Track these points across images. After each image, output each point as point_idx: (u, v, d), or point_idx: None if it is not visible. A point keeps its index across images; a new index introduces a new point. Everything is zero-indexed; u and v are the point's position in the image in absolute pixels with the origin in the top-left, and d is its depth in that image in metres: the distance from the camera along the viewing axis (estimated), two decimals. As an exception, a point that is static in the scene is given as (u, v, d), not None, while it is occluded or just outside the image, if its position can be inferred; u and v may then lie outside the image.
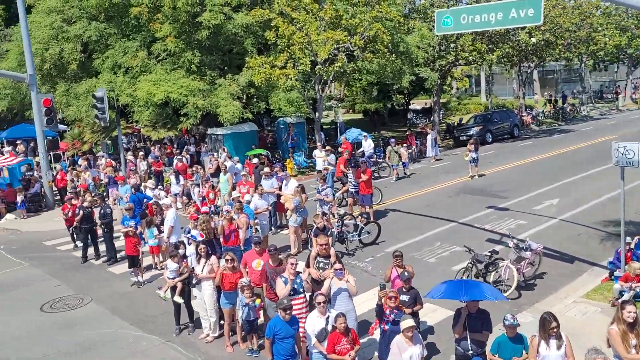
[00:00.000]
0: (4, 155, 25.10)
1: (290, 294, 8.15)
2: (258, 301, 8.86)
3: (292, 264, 8.40)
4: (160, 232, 13.14)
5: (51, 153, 24.99)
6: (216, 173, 20.03)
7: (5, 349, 9.83)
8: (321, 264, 8.92)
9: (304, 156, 25.71)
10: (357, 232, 13.43)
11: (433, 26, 27.62)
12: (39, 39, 26.58)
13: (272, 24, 23.29)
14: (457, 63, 28.50)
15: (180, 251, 10.32)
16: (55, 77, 27.35)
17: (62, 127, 34.53)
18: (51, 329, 10.52)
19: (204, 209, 12.60)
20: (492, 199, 17.70)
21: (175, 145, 27.37)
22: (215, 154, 21.88)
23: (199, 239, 10.56)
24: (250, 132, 26.92)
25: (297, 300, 8.10)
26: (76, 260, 14.71)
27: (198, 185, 18.90)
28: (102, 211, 13.99)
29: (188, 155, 24.19)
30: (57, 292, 12.45)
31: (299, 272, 8.51)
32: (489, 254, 10.91)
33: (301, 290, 8.32)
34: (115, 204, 18.16)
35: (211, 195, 17.47)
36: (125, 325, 10.42)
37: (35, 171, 22.68)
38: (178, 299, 9.74)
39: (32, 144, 31.26)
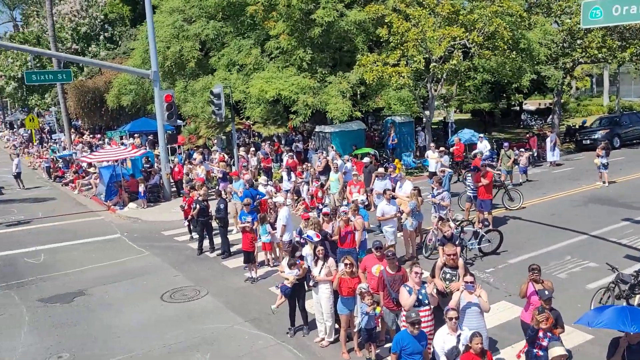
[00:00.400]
0: (126, 147, 26.71)
1: (415, 305, 7.65)
2: (378, 309, 8.44)
3: (416, 272, 7.90)
4: (274, 229, 13.13)
5: (168, 146, 26.25)
6: (324, 171, 19.91)
7: (127, 336, 10.18)
8: (448, 275, 8.34)
9: (412, 156, 24.96)
10: (477, 240, 12.61)
11: (556, 21, 25.82)
12: (162, 37, 28.00)
13: (385, 21, 22.81)
14: (584, 61, 26.30)
15: (297, 253, 10.18)
16: (175, 74, 28.73)
17: (179, 122, 36.45)
18: (171, 319, 10.78)
19: (325, 209, 12.33)
20: (627, 211, 16.01)
21: (282, 142, 27.70)
22: (324, 151, 21.77)
23: (315, 239, 10.33)
24: (357, 131, 26.62)
25: (422, 313, 7.58)
26: (192, 252, 15.13)
27: (307, 183, 18.86)
28: (217, 205, 14.24)
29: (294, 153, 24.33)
30: (176, 282, 12.81)
31: (424, 282, 7.99)
32: (635, 273, 9.71)
33: (426, 302, 7.80)
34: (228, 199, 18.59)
35: (320, 194, 17.33)
36: (240, 322, 10.45)
37: (155, 164, 23.88)
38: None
39: (149, 137, 33.17)
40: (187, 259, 14.62)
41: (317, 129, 26.62)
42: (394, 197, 13.16)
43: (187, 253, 15.15)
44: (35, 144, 42.28)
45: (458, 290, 7.62)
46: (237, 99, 25.22)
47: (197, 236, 15.55)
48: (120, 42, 43.54)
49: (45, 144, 39.58)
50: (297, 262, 9.59)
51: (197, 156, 24.44)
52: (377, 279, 8.70)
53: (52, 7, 32.34)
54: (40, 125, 49.56)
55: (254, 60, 25.59)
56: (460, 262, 8.52)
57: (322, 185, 17.50)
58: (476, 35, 21.52)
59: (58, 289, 12.76)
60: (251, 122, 26.32)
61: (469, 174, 15.32)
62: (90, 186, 25.98)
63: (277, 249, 13.54)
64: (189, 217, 15.95)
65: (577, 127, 31.20)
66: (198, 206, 14.81)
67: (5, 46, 22.37)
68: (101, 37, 44.82)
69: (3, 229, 19.25)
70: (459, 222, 13.00)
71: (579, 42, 25.31)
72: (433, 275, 8.49)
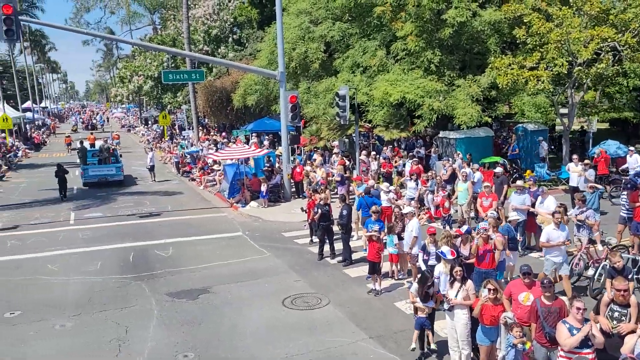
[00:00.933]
0: (249, 146, 27.35)
1: (576, 347, 6.59)
2: (528, 345, 7.44)
3: (578, 308, 6.82)
4: (400, 239, 12.44)
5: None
6: (450, 180, 18.85)
7: (250, 340, 10.01)
8: (616, 314, 7.15)
9: (547, 168, 22.99)
10: (636, 269, 11.00)
11: None
12: (288, 39, 28.33)
13: (524, 21, 21.18)
14: None
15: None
16: (299, 75, 28.96)
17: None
18: (293, 327, 10.47)
19: (460, 228, 11.43)
20: None
21: (402, 147, 26.87)
22: (450, 159, 20.66)
23: (450, 257, 9.48)
24: (485, 138, 25.08)
25: (586, 356, 6.50)
26: (312, 256, 14.85)
27: (432, 191, 17.92)
28: (340, 211, 13.78)
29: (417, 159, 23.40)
30: (297, 287, 12.55)
31: (586, 319, 6.88)
32: None
33: (590, 343, 6.69)
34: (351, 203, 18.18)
35: (446, 204, 16.33)
36: (364, 338, 9.87)
37: (277, 164, 24.15)
38: None
39: (267, 137, 33.83)
40: (307, 263, 14.35)
41: (441, 134, 25.47)
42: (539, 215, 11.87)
43: (307, 257, 14.89)
44: (166, 139, 45.05)
45: (632, 333, 6.43)
46: (360, 101, 24.81)
47: (318, 240, 15.30)
48: (247, 44, 45.08)
49: (175, 140, 41.98)
50: (433, 292, 8.80)
51: (317, 158, 24.41)
52: (527, 309, 7.69)
53: (187, 11, 34.13)
54: (172, 122, 52.87)
55: (379, 62, 25.04)
56: (633, 299, 7.27)
57: (449, 195, 16.48)
58: (630, 36, 19.25)
59: (184, 284, 13.02)
60: (372, 126, 25.78)
61: (624, 193, 13.55)
62: (214, 182, 26.92)
63: (403, 261, 12.81)
64: (310, 220, 15.74)
65: None
66: (319, 210, 14.50)
67: (146, 46, 23.91)
68: (230, 39, 46.72)
69: (137, 219, 20.34)
70: (612, 247, 11.45)
71: None
72: (597, 312, 7.34)
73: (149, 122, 66.20)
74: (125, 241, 17.19)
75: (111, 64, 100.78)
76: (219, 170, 27.25)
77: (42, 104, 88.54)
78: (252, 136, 31.84)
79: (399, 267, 12.71)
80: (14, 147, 43.19)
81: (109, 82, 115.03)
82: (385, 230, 12.40)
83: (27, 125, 61.46)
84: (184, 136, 40.15)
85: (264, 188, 21.26)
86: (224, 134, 39.37)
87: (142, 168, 34.59)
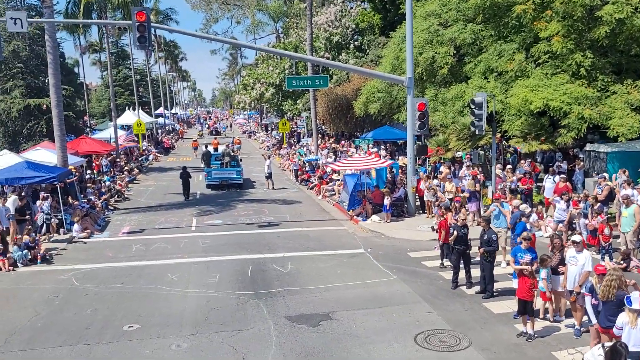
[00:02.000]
0: (370, 155, 26.08)
1: None
2: None
3: None
4: (556, 273, 10.42)
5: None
6: (606, 201, 16.21)
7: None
8: None
9: None
10: None
11: None
12: (415, 43, 26.56)
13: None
14: None
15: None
16: (425, 81, 27.23)
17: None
18: (429, 372, 8.95)
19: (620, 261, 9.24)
20: None
21: (538, 161, 24.11)
22: (605, 175, 17.89)
23: (637, 306, 7.44)
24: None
25: None
26: (445, 284, 13.16)
27: (586, 215, 15.41)
28: (488, 236, 11.97)
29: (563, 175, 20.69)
30: (430, 321, 10.98)
31: None
32: None
33: None
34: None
35: (606, 231, 13.84)
36: (520, 397, 8.10)
37: (399, 175, 22.65)
38: None
39: (386, 147, 32.34)
40: (439, 291, 12.70)
41: (589, 147, 22.52)
42: None
43: (439, 284, 13.23)
44: (285, 146, 45.27)
45: None
46: (493, 109, 22.58)
47: (450, 264, 13.61)
48: (368, 51, 44.06)
49: (294, 147, 41.92)
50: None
51: (444, 170, 22.50)
52: None
53: (311, 17, 33.75)
54: (291, 129, 53.25)
55: (517, 66, 22.59)
56: None
57: (608, 221, 13.98)
58: None
59: (304, 306, 11.96)
60: (506, 137, 23.39)
61: None
62: (333, 192, 26.00)
63: (558, 299, 10.75)
64: (442, 241, 14.07)
65: None
66: (456, 232, 12.79)
67: (269, 51, 23.63)
68: (351, 46, 46.00)
69: (255, 229, 19.86)
70: None
71: None
72: None
73: (269, 129, 67.59)
74: (243, 252, 16.63)
75: (235, 72, 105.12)
76: (339, 179, 26.32)
77: (173, 110, 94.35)
78: (370, 146, 30.54)
79: (553, 305, 10.67)
80: (146, 151, 45.68)
81: (232, 89, 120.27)
82: (537, 261, 10.43)
83: (159, 130, 65.36)
84: (303, 143, 39.89)
85: (387, 201, 19.85)
86: (342, 142, 38.55)
87: (261, 174, 34.76)
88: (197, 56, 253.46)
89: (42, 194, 18.85)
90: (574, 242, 9.94)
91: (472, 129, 17.78)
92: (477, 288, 12.52)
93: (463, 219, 12.82)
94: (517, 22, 23.15)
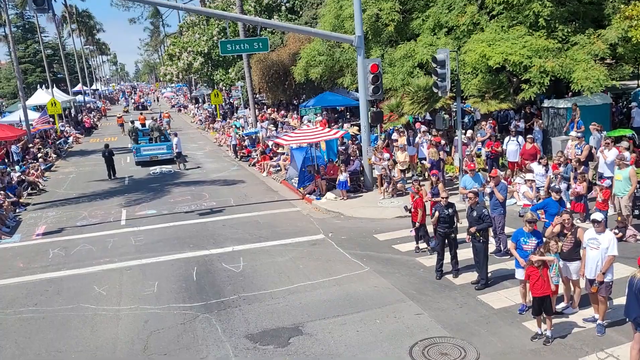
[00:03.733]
0: (316, 127, 23.90)
1: None
2: None
3: None
4: (571, 259, 8.76)
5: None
6: (585, 162, 14.89)
7: None
8: None
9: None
10: None
11: None
12: (357, -1, 24.53)
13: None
14: None
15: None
16: (370, 41, 25.04)
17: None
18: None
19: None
20: None
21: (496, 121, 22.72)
22: (579, 134, 16.58)
23: None
24: (602, 107, 20.67)
25: None
26: (427, 273, 11.36)
27: (566, 179, 13.99)
28: (475, 213, 10.13)
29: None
30: (421, 325, 9.11)
31: None
32: None
33: None
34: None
35: (599, 198, 12.41)
36: None
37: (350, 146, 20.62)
38: None
39: (327, 113, 30.14)
40: (423, 284, 10.86)
41: (547, 103, 21.26)
42: None
43: (420, 274, 11.40)
44: (219, 119, 42.19)
45: None
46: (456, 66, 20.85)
47: (429, 249, 11.88)
48: (301, 13, 41.30)
49: (229, 120, 38.97)
50: None
51: (398, 138, 20.70)
52: None
53: (239, -24, 30.49)
54: (224, 100, 50.01)
55: (469, 19, 20.87)
56: None
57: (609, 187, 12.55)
58: None
59: (267, 318, 9.80)
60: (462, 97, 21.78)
61: None
62: (279, 168, 23.73)
63: (568, 288, 9.13)
64: (419, 223, 12.24)
65: None
66: (437, 213, 10.93)
67: (200, 12, 20.55)
68: (282, 8, 43.04)
69: (196, 218, 17.36)
70: None
71: None
72: None
73: (199, 101, 63.75)
74: (185, 249, 14.19)
75: (158, 42, 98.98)
76: (284, 154, 24.02)
77: (93, 87, 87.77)
78: (319, 115, 28.21)
79: (566, 298, 9.05)
80: (64, 133, 41.34)
81: (157, 61, 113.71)
82: (543, 246, 8.70)
83: (79, 109, 60.15)
84: (239, 115, 37.01)
85: (342, 177, 17.81)
86: (282, 112, 36.06)
87: (198, 152, 31.89)
88: (116, 27, 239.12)
89: None
90: (594, 221, 8.25)
91: (435, 90, 15.87)
92: (465, 275, 10.81)
93: (445, 197, 10.93)
94: (467, -29, 21.29)
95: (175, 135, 28.11)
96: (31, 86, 62.26)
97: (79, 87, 70.67)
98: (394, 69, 23.09)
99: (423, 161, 18.87)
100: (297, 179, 20.30)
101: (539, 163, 14.63)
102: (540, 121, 21.24)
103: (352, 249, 13.29)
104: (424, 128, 19.54)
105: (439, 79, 15.55)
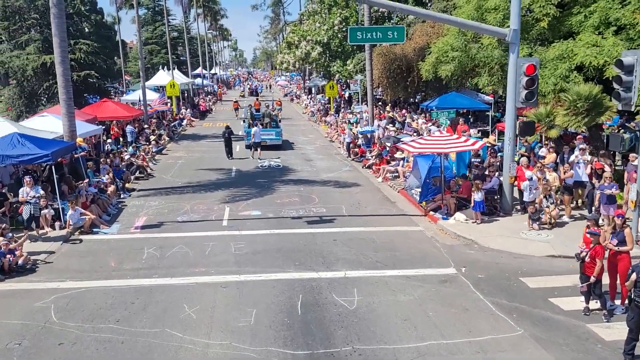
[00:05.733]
0: (442, 133, 21.04)
1: None
2: None
3: None
4: None
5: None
6: None
7: None
8: None
9: None
10: None
11: None
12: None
13: None
14: None
15: None
16: (516, 37, 21.70)
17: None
18: None
19: None
20: None
21: None
22: None
23: None
24: None
25: None
26: (607, 351, 8.40)
27: None
28: None
29: None
30: None
31: None
32: None
33: None
34: None
35: None
36: None
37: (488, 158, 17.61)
38: None
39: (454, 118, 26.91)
40: (606, 368, 7.92)
41: None
42: None
43: (598, 352, 8.41)
44: (332, 112, 40.34)
45: None
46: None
47: (604, 313, 8.87)
48: (430, 4, 38.15)
49: (344, 115, 36.92)
50: None
51: (547, 155, 17.36)
52: None
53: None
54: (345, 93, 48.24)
55: (652, 16, 16.97)
56: None
57: None
58: None
59: (391, 392, 7.40)
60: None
61: None
62: (397, 174, 21.20)
63: None
64: (595, 277, 9.22)
65: None
66: (635, 275, 7.88)
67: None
68: (410, -1, 40.14)
69: (304, 226, 15.34)
70: None
71: None
72: None
73: (312, 92, 62.56)
74: (289, 267, 12.17)
75: (278, 30, 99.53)
76: (403, 159, 21.45)
77: (212, 71, 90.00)
78: (461, 122, 25.08)
79: None
80: (179, 115, 41.54)
81: (274, 49, 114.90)
82: None
83: (198, 92, 61.23)
84: (356, 111, 34.79)
85: (477, 196, 14.92)
86: (403, 111, 33.36)
87: (308, 147, 30.20)
88: (238, 13, 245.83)
89: (26, 179, 14.67)
90: None
91: (616, 102, 12.52)
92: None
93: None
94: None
95: (255, 124, 27.92)
96: (155, 67, 64.34)
97: (199, 70, 72.34)
98: (545, 71, 19.54)
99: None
100: (419, 190, 17.68)
101: None
102: None
103: (495, 295, 10.53)
104: (582, 145, 16.02)
105: (622, 88, 12.18)
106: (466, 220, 15.26)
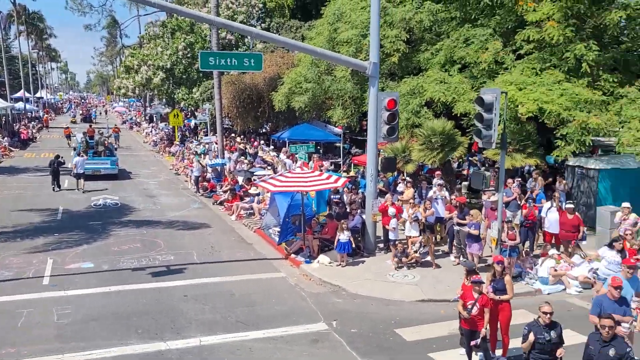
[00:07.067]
0: (302, 169, 20.10)
1: None
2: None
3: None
4: None
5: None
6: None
7: None
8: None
9: None
10: None
11: None
12: (357, 23, 21.25)
13: None
14: None
15: None
16: (368, 72, 21.69)
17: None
18: None
19: None
20: None
21: (518, 174, 19.51)
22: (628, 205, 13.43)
23: None
24: (637, 171, 17.86)
25: None
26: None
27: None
28: (611, 350, 6.43)
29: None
30: None
31: None
32: None
33: None
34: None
35: None
36: None
37: (347, 194, 16.85)
38: None
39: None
40: None
41: (572, 161, 18.24)
42: None
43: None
44: (177, 143, 37.72)
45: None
46: (462, 111, 17.67)
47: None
48: (279, 32, 37.82)
49: (188, 144, 34.53)
50: None
51: (405, 190, 17.11)
52: None
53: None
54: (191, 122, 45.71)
55: (492, 57, 17.79)
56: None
57: None
58: None
59: None
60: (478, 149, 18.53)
61: None
62: (252, 211, 19.65)
63: None
64: (485, 330, 8.47)
65: None
66: (532, 335, 7.17)
67: (179, 12, 16.29)
68: (257, 28, 39.43)
69: (148, 281, 13.01)
70: None
71: None
72: None
73: (154, 120, 58.77)
74: (130, 337, 9.91)
75: (115, 52, 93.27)
76: (258, 194, 20.00)
77: (38, 95, 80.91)
78: (316, 157, 24.09)
79: None
80: (-6, 145, 35.78)
81: (111, 73, 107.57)
82: None
83: (18, 118, 54.10)
84: (205, 141, 32.58)
85: (344, 236, 13.93)
86: (257, 142, 32.03)
87: (151, 180, 27.38)
88: (70, 33, 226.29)
89: None
90: None
91: (477, 140, 12.38)
92: None
93: (549, 312, 7.19)
94: (489, 1, 18.26)
95: (79, 154, 25.43)
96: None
97: (20, 93, 64.28)
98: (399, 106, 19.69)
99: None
100: (278, 230, 16.34)
101: (612, 247, 11.18)
102: (565, 181, 18.23)
103: (373, 354, 9.41)
104: (440, 181, 15.97)
105: (483, 126, 12.06)
106: (330, 263, 14.17)
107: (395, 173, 18.77)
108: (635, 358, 6.61)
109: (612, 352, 6.33)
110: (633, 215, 13.62)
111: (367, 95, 18.90)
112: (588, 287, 12.36)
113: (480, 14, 19.11)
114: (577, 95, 15.61)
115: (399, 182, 17.96)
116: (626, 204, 13.98)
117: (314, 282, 13.28)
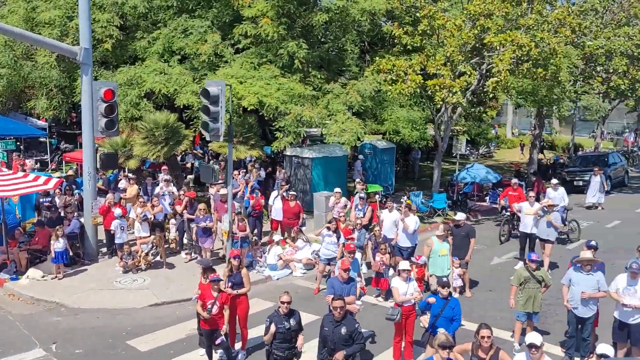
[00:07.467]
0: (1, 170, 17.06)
1: None
2: None
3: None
4: None
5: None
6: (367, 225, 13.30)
7: None
8: None
9: (422, 197, 19.15)
10: None
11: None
12: (60, 3, 18.94)
13: (418, 15, 16.91)
14: (600, 91, 22.64)
15: None
16: (78, 58, 19.52)
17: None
18: None
19: None
20: None
21: (242, 165, 19.99)
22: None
23: None
24: (342, 158, 20.22)
25: None
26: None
27: (361, 247, 11.98)
28: (342, 329, 6.82)
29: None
30: None
31: None
32: None
33: None
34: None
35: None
36: None
37: (60, 197, 14.84)
38: None
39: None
40: None
41: (289, 151, 19.62)
42: None
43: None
44: None
45: None
46: (186, 102, 17.31)
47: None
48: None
49: None
50: None
51: (128, 187, 15.90)
52: None
53: None
54: None
55: (211, 49, 17.83)
56: None
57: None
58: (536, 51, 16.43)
59: None
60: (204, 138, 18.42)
61: None
62: None
63: None
64: (225, 328, 8.29)
65: (550, 163, 28.16)
66: (273, 326, 7.24)
67: None
68: None
69: None
70: None
71: (600, 68, 21.66)
72: None
73: None
74: None
75: None
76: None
77: None
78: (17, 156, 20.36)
79: None
80: None
81: None
82: None
83: None
84: None
85: (58, 244, 12.18)
86: None
87: None
88: None
89: None
90: (532, 345, 6.02)
91: (205, 133, 12.08)
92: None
93: (287, 302, 7.28)
94: (207, -7, 18.27)
95: None
96: None
97: None
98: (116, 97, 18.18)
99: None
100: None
101: (329, 229, 12.15)
102: (284, 170, 19.47)
103: (104, 374, 8.40)
104: (167, 176, 15.24)
105: (210, 119, 11.85)
106: (44, 277, 12.28)
107: (116, 170, 17.31)
108: (362, 331, 7.23)
109: (343, 330, 6.80)
110: (343, 199, 15.20)
111: (77, 85, 17.07)
112: (310, 268, 13.34)
113: (198, 5, 18.94)
114: (292, 89, 16.70)
115: (121, 179, 16.61)
116: (338, 189, 15.49)
117: (24, 301, 11.34)
